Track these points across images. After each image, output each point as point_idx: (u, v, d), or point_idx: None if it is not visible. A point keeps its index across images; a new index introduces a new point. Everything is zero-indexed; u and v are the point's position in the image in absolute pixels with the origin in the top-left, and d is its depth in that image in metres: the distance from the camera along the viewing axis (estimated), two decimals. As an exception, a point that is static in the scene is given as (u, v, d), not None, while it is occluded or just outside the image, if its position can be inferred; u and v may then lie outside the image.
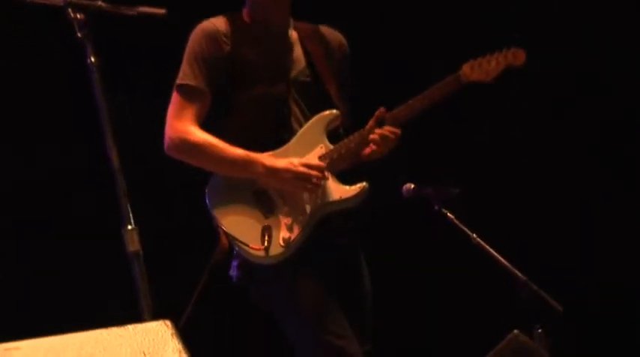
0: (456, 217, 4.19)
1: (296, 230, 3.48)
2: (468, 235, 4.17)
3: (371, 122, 3.57)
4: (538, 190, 5.74)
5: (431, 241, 5.40)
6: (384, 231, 5.35)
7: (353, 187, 3.54)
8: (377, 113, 3.58)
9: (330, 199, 3.53)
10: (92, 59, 2.83)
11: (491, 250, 4.14)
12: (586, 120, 5.71)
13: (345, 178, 3.57)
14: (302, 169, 3.49)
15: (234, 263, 3.58)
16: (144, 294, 2.70)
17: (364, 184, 3.54)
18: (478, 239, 4.16)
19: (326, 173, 3.52)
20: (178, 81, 3.60)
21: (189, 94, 3.57)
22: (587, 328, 5.58)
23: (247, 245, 3.46)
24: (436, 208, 4.20)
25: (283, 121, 3.59)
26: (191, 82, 3.57)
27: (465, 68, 3.62)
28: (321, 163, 3.53)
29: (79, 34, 2.84)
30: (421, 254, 5.64)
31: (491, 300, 5.43)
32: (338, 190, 3.54)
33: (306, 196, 3.52)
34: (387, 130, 3.56)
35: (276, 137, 3.58)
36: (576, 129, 5.72)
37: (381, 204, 3.62)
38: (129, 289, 2.75)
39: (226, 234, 3.51)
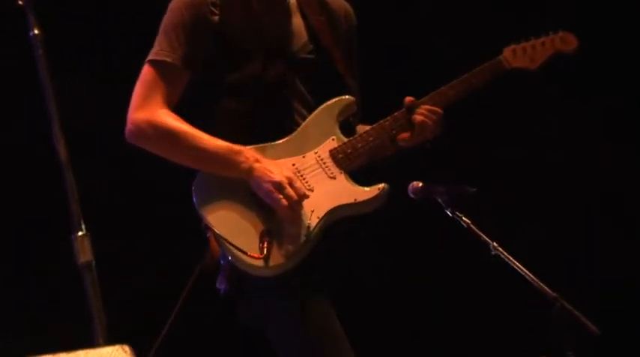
0: (473, 222, 4.17)
1: (301, 237, 3.41)
2: (487, 244, 4.15)
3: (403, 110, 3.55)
4: (571, 194, 5.74)
5: (442, 249, 5.41)
6: (387, 237, 5.33)
7: (370, 189, 3.48)
8: (406, 100, 3.55)
9: (343, 202, 3.46)
10: (35, 32, 2.80)
11: (514, 261, 4.12)
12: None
13: (356, 178, 3.51)
14: (281, 179, 3.40)
15: (222, 273, 3.49)
16: (97, 313, 2.66)
17: (383, 184, 3.48)
18: (499, 248, 4.14)
19: (307, 193, 3.43)
20: (151, 56, 3.51)
21: (162, 71, 3.48)
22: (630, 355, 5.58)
23: (245, 252, 3.38)
24: (449, 210, 4.17)
25: (283, 106, 3.52)
26: (167, 58, 3.48)
27: (507, 53, 3.66)
28: (304, 192, 3.43)
29: (19, 2, 2.81)
30: (429, 266, 5.62)
31: (514, 320, 5.44)
32: (352, 192, 3.48)
33: (314, 195, 3.44)
34: (425, 109, 3.54)
35: (275, 127, 3.51)
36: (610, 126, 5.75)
37: (393, 208, 3.58)
38: (80, 307, 2.70)
39: (218, 238, 3.43)
